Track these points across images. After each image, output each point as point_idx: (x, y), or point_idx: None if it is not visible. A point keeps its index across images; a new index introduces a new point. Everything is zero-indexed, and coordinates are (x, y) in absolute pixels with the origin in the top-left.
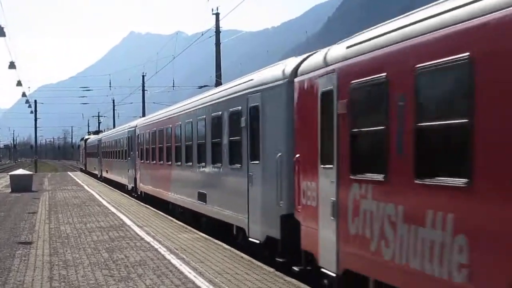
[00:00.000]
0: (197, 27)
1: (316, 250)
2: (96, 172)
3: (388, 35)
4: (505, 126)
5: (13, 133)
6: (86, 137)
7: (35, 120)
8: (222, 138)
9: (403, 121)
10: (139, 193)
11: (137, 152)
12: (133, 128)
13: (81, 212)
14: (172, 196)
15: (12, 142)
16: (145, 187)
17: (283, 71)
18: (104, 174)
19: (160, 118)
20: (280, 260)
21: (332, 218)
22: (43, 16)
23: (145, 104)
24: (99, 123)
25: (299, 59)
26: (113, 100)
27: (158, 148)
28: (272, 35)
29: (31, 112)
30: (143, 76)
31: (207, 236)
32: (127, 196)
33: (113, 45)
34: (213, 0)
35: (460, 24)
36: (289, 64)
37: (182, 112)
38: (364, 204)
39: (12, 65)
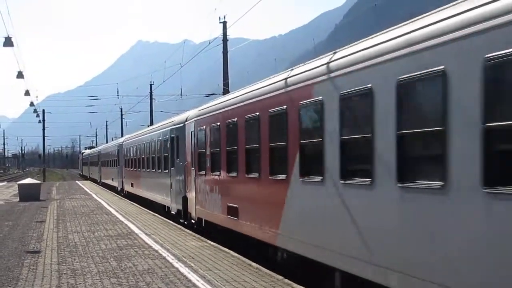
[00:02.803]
0: (204, 36)
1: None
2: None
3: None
4: None
5: (21, 142)
6: (83, 151)
7: (43, 129)
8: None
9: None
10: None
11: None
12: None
13: (89, 220)
14: (103, 179)
15: (20, 151)
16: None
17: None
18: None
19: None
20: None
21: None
22: (50, 25)
23: (153, 112)
24: (107, 132)
25: (187, 113)
26: (121, 109)
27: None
28: (279, 43)
29: (39, 121)
30: (150, 85)
31: (215, 244)
32: (136, 205)
33: (120, 53)
34: (220, 8)
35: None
36: (183, 115)
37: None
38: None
39: (20, 75)
